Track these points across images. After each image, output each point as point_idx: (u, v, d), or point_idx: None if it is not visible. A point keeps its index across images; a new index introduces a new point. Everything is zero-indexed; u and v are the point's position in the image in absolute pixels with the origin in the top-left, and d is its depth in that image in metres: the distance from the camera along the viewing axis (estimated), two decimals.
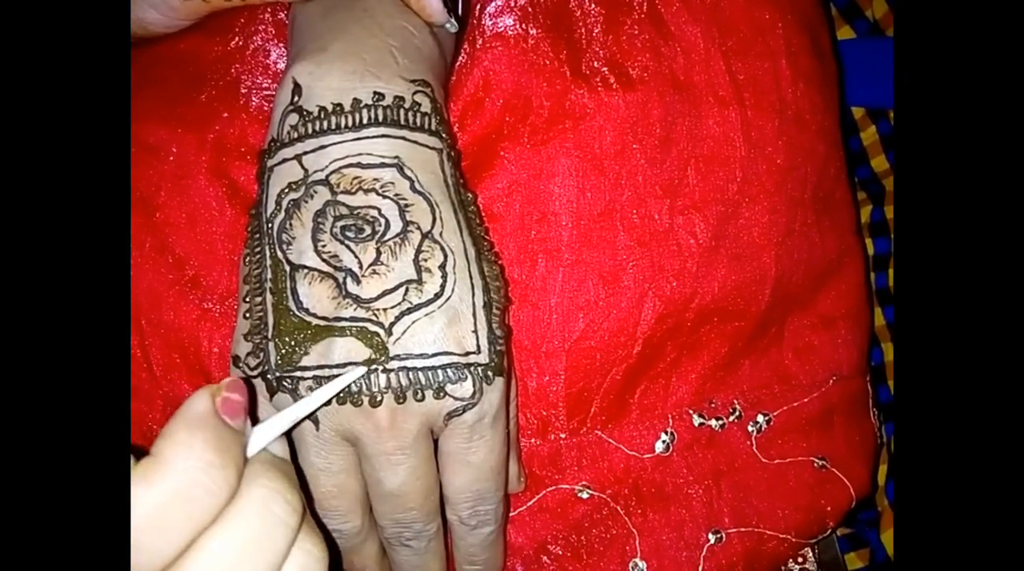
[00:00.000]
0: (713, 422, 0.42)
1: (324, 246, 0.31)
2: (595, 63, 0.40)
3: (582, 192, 0.39)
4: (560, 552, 0.39)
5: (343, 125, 0.32)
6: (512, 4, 0.40)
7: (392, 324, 0.30)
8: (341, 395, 0.30)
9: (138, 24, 0.39)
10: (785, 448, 0.43)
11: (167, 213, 0.38)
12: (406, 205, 0.32)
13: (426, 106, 0.33)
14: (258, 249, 0.32)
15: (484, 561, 0.35)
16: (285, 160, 0.32)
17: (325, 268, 0.31)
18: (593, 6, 0.40)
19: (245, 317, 0.32)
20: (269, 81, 0.39)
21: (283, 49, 0.39)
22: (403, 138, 0.32)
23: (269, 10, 0.40)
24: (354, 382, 0.30)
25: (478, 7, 0.40)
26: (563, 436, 0.39)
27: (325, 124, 0.32)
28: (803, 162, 0.43)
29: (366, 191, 0.31)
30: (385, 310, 0.30)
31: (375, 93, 0.32)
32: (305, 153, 0.32)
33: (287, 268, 0.31)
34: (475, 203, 0.35)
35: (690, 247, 0.40)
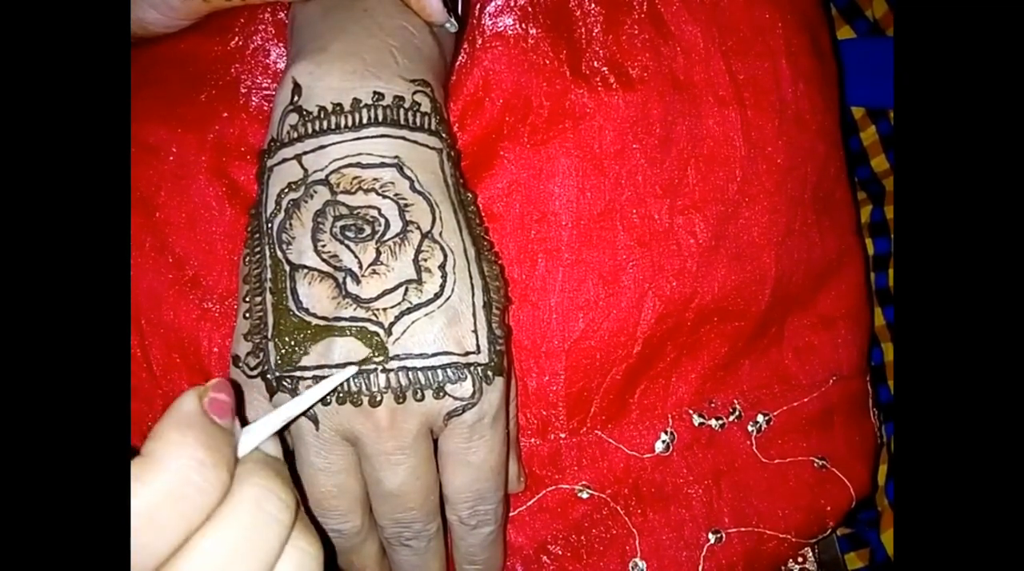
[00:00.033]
0: (713, 422, 0.42)
1: (324, 246, 0.31)
2: (595, 63, 0.40)
3: (582, 192, 0.39)
4: (560, 552, 0.39)
5: (343, 125, 0.32)
6: (512, 4, 0.40)
7: (392, 324, 0.30)
8: (341, 395, 0.30)
9: (138, 24, 0.39)
10: (785, 448, 0.43)
11: (167, 213, 0.38)
12: (406, 205, 0.32)
13: (426, 106, 0.33)
14: (258, 249, 0.32)
15: (484, 561, 0.35)
16: (285, 160, 0.32)
17: (325, 268, 0.31)
18: (593, 6, 0.40)
19: (245, 317, 0.32)
20: (269, 81, 0.39)
21: (283, 49, 0.39)
22: (403, 138, 0.32)
23: (269, 10, 0.40)
24: (354, 382, 0.30)
25: (478, 7, 0.40)
26: (563, 436, 0.39)
27: (325, 124, 0.32)
28: (803, 162, 0.43)
29: (366, 191, 0.31)
30: (385, 310, 0.30)
31: (375, 93, 0.32)
32: (305, 153, 0.32)
33: (287, 268, 0.31)
34: (475, 203, 0.35)
35: (690, 247, 0.40)
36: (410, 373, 0.30)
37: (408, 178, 0.32)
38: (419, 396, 0.30)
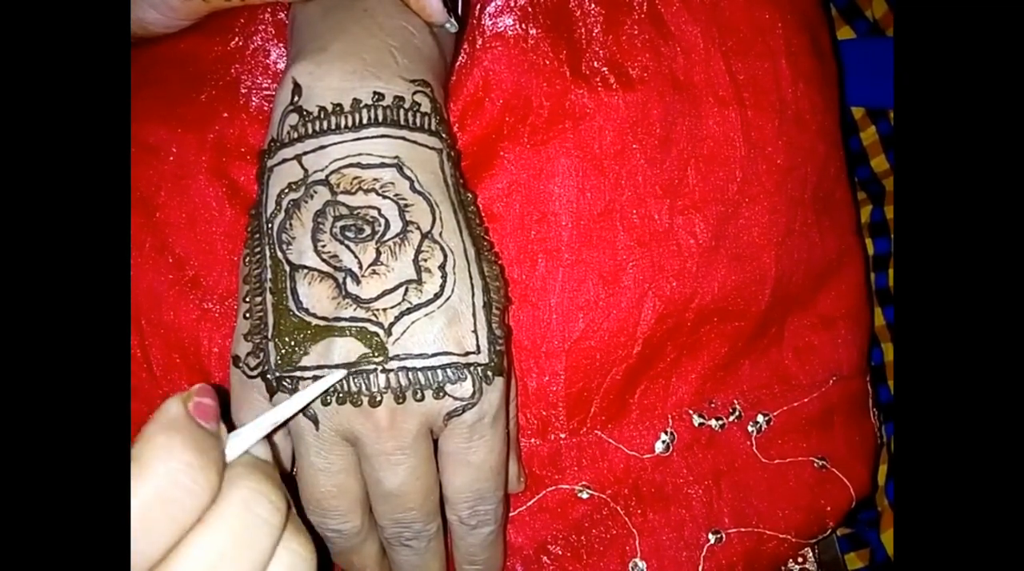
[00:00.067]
0: (713, 422, 0.42)
1: (324, 246, 0.31)
2: (595, 63, 0.40)
3: (582, 192, 0.39)
4: (560, 552, 0.39)
5: (343, 125, 0.32)
6: (512, 4, 0.40)
7: (392, 324, 0.30)
8: (340, 395, 0.30)
9: (138, 24, 0.39)
10: (785, 448, 0.43)
11: (167, 213, 0.38)
12: (406, 205, 0.32)
13: (426, 106, 0.33)
14: (258, 249, 0.32)
15: (484, 561, 0.35)
16: (285, 160, 0.32)
17: (325, 268, 0.31)
18: (593, 6, 0.40)
19: (245, 317, 0.32)
20: (269, 81, 0.39)
21: (283, 49, 0.39)
22: (403, 138, 0.32)
23: (269, 10, 0.40)
24: (354, 382, 0.30)
25: (478, 7, 0.40)
26: (563, 436, 0.39)
27: (325, 124, 0.32)
28: (803, 162, 0.43)
29: (366, 191, 0.31)
30: (385, 310, 0.30)
31: (375, 93, 0.32)
32: (305, 153, 0.32)
33: (287, 268, 0.31)
34: (475, 203, 0.35)
35: (690, 247, 0.40)
36: (410, 373, 0.30)
37: (408, 178, 0.32)
38: (419, 396, 0.30)
